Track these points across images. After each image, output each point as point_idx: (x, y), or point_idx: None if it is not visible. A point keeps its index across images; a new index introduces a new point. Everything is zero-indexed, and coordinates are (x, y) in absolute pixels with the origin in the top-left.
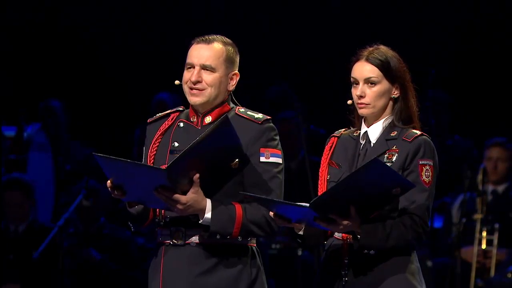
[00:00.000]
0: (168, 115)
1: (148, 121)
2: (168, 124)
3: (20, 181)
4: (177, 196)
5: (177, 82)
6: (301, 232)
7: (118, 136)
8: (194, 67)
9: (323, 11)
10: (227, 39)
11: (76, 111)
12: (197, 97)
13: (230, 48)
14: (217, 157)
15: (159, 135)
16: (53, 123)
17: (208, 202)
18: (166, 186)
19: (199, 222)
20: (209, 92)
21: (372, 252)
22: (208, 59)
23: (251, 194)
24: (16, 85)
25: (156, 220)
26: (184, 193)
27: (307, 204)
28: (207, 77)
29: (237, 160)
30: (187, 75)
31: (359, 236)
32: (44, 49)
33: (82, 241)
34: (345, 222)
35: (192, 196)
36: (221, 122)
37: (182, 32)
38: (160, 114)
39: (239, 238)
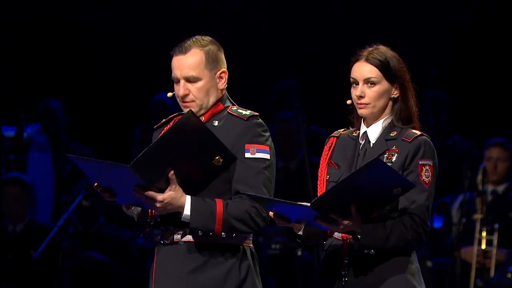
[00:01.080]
0: (171, 119)
1: (154, 127)
2: (169, 127)
3: (19, 178)
4: (153, 193)
5: (169, 94)
6: (300, 232)
7: (118, 136)
8: (179, 81)
9: (324, 11)
10: (206, 38)
11: (76, 111)
12: (187, 109)
13: (209, 48)
14: (196, 155)
15: None
16: (53, 123)
17: (188, 199)
18: (141, 185)
19: (181, 219)
20: (199, 101)
21: (372, 252)
22: (189, 70)
23: (251, 194)
24: (16, 85)
25: (147, 220)
26: (162, 191)
27: (308, 204)
28: (193, 88)
29: (218, 157)
30: (176, 88)
31: (359, 236)
32: (44, 49)
33: (82, 241)
34: (346, 222)
35: (170, 193)
36: (184, 117)
37: (183, 32)
38: (164, 119)
39: (223, 235)
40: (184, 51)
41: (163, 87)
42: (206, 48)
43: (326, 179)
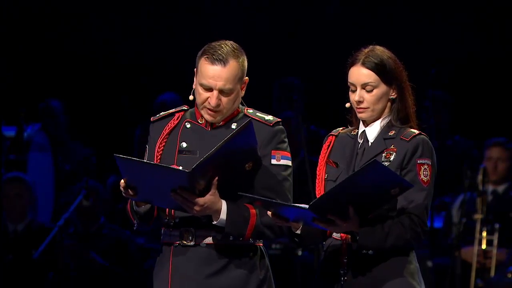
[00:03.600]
0: (172, 114)
1: (151, 119)
2: (174, 123)
3: (19, 178)
4: (196, 197)
5: (191, 97)
6: (298, 231)
7: (118, 136)
8: (211, 90)
9: (324, 11)
10: (236, 46)
11: (76, 111)
12: (214, 117)
13: (242, 59)
14: (235, 159)
15: (165, 135)
16: (53, 123)
17: (224, 204)
18: (185, 187)
19: (213, 223)
20: (225, 111)
21: (371, 252)
22: (227, 83)
23: (248, 194)
24: (16, 85)
25: (165, 220)
26: (200, 193)
27: (306, 206)
28: (226, 99)
29: (251, 162)
30: (204, 94)
31: (358, 237)
32: (44, 49)
33: (82, 241)
34: (344, 223)
35: (210, 198)
36: (245, 126)
37: (183, 32)
38: (163, 113)
39: (251, 240)
40: (224, 63)
41: (166, 87)
42: (240, 59)
43: (325, 178)
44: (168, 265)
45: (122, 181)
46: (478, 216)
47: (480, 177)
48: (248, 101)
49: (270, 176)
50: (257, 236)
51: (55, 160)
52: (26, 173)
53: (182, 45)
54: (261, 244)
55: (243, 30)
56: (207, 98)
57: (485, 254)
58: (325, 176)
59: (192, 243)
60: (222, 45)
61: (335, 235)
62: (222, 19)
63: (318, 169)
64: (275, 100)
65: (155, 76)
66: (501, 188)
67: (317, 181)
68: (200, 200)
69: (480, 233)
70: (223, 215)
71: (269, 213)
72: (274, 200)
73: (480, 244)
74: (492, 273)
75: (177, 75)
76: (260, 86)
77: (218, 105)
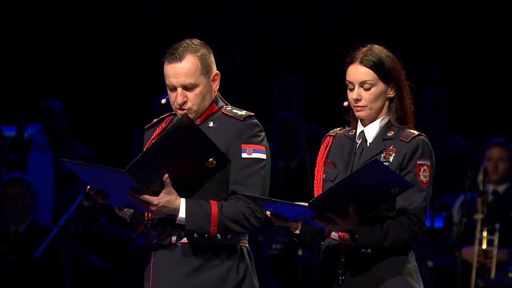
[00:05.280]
0: (162, 119)
1: (145, 127)
2: (162, 128)
3: (20, 177)
4: (147, 197)
5: (163, 101)
6: (297, 231)
7: (118, 136)
8: (175, 89)
9: (324, 11)
10: (195, 41)
11: (76, 111)
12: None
13: (201, 53)
14: (190, 157)
15: (153, 140)
16: (53, 123)
17: (182, 201)
18: (135, 188)
19: (176, 222)
20: (195, 107)
21: (369, 251)
22: (186, 78)
23: (248, 194)
24: (16, 85)
25: (144, 222)
26: (157, 194)
27: (306, 204)
28: (191, 95)
29: (211, 159)
30: (172, 95)
31: (356, 236)
32: (44, 49)
33: (83, 241)
34: (343, 221)
35: (164, 196)
36: (179, 122)
37: (184, 32)
38: (155, 120)
39: (218, 236)
40: (179, 59)
41: (165, 88)
42: (199, 53)
43: (323, 178)
44: (150, 266)
45: (88, 186)
46: (478, 216)
47: (480, 177)
48: (249, 101)
49: (240, 170)
50: (224, 231)
51: (56, 160)
52: (26, 173)
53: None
54: (246, 245)
55: (243, 30)
56: (175, 99)
57: (485, 254)
58: (323, 176)
59: (169, 242)
60: (180, 44)
61: (333, 235)
62: (222, 19)
63: (316, 169)
64: (275, 100)
65: (156, 77)
66: (501, 188)
67: (315, 181)
68: (154, 200)
69: (481, 233)
70: (181, 213)
71: (268, 213)
72: (274, 199)
73: (480, 244)
74: (493, 273)
75: None
76: (260, 86)
77: (184, 102)
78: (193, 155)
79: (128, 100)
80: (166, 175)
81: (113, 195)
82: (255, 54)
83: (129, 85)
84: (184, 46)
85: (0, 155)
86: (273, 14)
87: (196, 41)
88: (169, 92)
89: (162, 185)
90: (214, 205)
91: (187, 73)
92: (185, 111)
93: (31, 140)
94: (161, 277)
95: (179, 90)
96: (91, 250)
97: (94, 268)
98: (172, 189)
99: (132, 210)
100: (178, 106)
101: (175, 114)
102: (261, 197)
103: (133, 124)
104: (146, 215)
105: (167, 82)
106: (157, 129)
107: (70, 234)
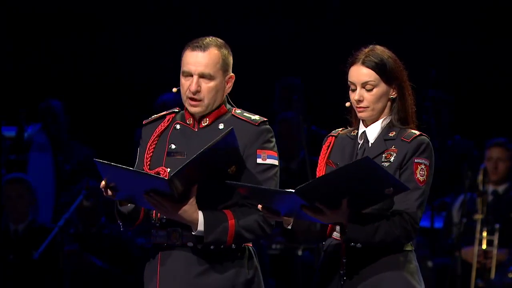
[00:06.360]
0: (163, 116)
1: (143, 122)
2: (164, 126)
3: (20, 177)
4: (167, 204)
5: (175, 89)
6: (289, 227)
7: (118, 136)
8: (192, 76)
9: (324, 11)
10: (220, 40)
11: (76, 111)
12: (196, 107)
13: (224, 51)
14: (216, 165)
15: (156, 137)
16: (53, 123)
17: (200, 215)
18: (158, 191)
19: (193, 233)
20: (207, 101)
21: (359, 245)
22: (206, 68)
23: (235, 182)
24: (16, 85)
25: (152, 221)
26: (179, 196)
27: (292, 190)
28: (206, 86)
29: (234, 166)
30: (185, 83)
31: (346, 229)
32: (44, 49)
33: (83, 241)
34: (332, 213)
35: (186, 207)
36: (228, 133)
37: (184, 32)
38: (155, 115)
39: (233, 246)
40: (203, 48)
41: (167, 87)
42: (223, 49)
43: None
44: (156, 265)
45: (103, 182)
46: (478, 216)
47: (480, 177)
48: (249, 101)
49: (255, 175)
50: (239, 241)
51: (55, 160)
52: (26, 173)
53: (184, 45)
54: (250, 245)
55: (244, 31)
56: (189, 86)
57: (485, 254)
58: None
59: (179, 243)
60: (205, 37)
61: (335, 235)
62: (222, 19)
63: (318, 169)
64: (276, 100)
65: (156, 77)
66: (501, 188)
67: None
68: (175, 208)
69: (481, 233)
70: (200, 227)
71: (259, 207)
72: (257, 186)
73: (480, 244)
74: (493, 273)
75: (177, 75)
76: (261, 86)
77: (197, 91)
78: (222, 162)
79: (128, 100)
80: (196, 186)
81: (124, 191)
82: (255, 55)
83: (129, 85)
84: (210, 39)
85: (0, 155)
86: (274, 15)
87: (221, 40)
88: (182, 80)
89: (185, 189)
90: (230, 216)
91: (207, 63)
92: (195, 102)
93: (31, 140)
94: (169, 278)
95: (195, 78)
96: (91, 250)
97: (94, 268)
98: (194, 200)
99: (132, 206)
100: (190, 95)
101: (176, 112)
102: (246, 184)
103: (133, 124)
104: (154, 213)
105: (183, 69)
106: (159, 126)
107: (70, 234)
